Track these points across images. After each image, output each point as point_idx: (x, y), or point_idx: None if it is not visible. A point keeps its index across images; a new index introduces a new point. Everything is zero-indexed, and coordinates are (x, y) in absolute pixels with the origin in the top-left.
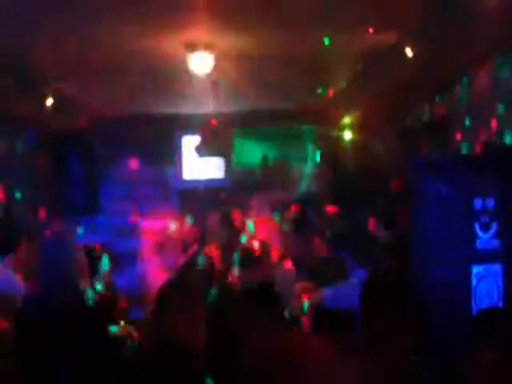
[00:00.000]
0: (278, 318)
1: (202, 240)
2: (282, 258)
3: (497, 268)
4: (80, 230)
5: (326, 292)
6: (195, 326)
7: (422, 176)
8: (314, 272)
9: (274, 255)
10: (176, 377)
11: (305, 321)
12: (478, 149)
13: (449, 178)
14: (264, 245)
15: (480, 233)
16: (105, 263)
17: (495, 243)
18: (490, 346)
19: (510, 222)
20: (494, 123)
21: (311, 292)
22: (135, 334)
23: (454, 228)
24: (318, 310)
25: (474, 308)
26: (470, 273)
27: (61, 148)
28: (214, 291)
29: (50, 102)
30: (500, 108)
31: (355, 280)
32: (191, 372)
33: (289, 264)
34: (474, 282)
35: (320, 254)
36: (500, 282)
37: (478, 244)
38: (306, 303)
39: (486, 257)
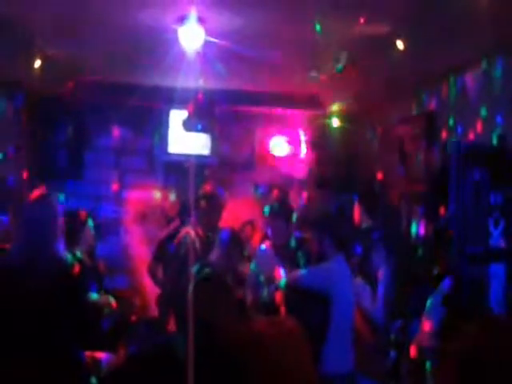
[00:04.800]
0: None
1: (184, 214)
2: (263, 239)
3: (500, 269)
4: (62, 196)
5: (302, 272)
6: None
7: (461, 162)
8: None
9: (257, 236)
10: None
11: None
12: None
13: (482, 166)
14: (246, 226)
15: (492, 229)
16: (88, 230)
17: (501, 242)
18: None
19: None
20: (479, 125)
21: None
22: (113, 303)
23: (478, 222)
24: (292, 289)
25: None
26: (488, 273)
27: (48, 112)
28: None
29: (38, 65)
30: (484, 111)
31: (332, 265)
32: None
33: (267, 244)
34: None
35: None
36: (502, 284)
37: (491, 242)
38: (282, 281)
39: (494, 255)
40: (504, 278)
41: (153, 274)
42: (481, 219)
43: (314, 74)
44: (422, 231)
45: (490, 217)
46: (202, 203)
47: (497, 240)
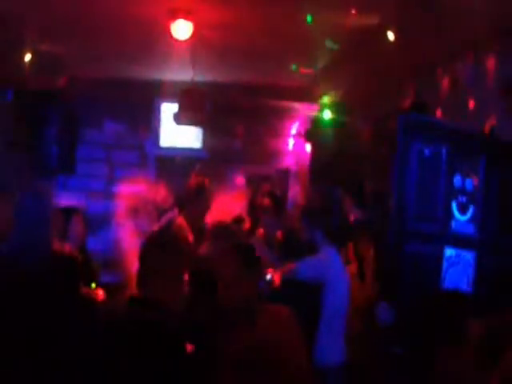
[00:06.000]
0: None
1: (178, 207)
2: (251, 232)
3: (469, 255)
4: (54, 191)
5: (296, 264)
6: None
7: (407, 135)
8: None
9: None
10: (152, 338)
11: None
12: None
13: (436, 143)
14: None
15: (457, 213)
16: (80, 224)
17: (470, 228)
18: None
19: (488, 207)
20: (470, 115)
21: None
22: (106, 297)
23: (433, 201)
24: (285, 281)
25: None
26: (442, 254)
27: (38, 107)
28: None
29: (28, 61)
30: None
31: (325, 256)
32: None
33: (259, 237)
34: (445, 264)
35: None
36: (471, 271)
37: (454, 226)
38: (275, 274)
39: (459, 241)
40: (473, 264)
41: None
42: (438, 199)
43: (293, 67)
44: None
45: (452, 199)
46: (191, 194)
47: (466, 227)
